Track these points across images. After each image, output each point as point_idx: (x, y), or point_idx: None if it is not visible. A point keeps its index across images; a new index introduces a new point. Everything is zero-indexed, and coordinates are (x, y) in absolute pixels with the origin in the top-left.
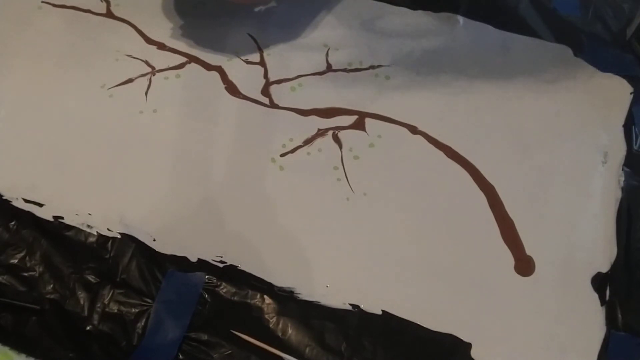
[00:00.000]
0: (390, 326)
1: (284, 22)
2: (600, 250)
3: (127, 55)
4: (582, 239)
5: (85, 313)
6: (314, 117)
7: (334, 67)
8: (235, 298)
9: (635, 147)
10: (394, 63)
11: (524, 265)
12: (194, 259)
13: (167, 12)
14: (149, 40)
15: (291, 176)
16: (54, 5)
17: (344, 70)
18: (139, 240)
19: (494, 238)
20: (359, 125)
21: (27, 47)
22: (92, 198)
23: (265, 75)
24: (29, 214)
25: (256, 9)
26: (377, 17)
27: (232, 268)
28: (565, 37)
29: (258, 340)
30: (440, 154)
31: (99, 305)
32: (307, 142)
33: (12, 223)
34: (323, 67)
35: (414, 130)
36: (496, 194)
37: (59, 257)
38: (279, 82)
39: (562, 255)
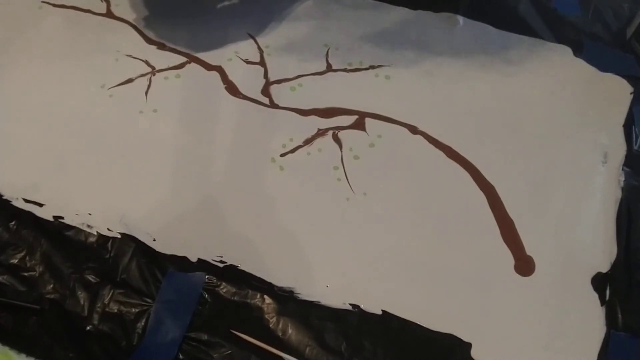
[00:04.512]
0: (390, 326)
1: (284, 22)
2: (600, 250)
3: (127, 55)
4: (582, 239)
5: (85, 313)
6: (314, 117)
7: (334, 67)
8: (235, 298)
9: (635, 147)
10: (394, 63)
11: (524, 265)
12: (194, 259)
13: (167, 12)
14: (149, 40)
15: (291, 176)
16: (54, 5)
17: (344, 70)
18: (139, 240)
19: (494, 238)
20: (359, 125)
21: (27, 47)
22: (92, 198)
23: (265, 75)
24: (29, 214)
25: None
26: (377, 17)
27: (232, 268)
28: (565, 37)
29: (258, 340)
30: (440, 154)
31: (99, 305)
32: (307, 142)
33: (12, 223)
34: (323, 67)
35: (414, 130)
36: (496, 194)
37: (59, 257)
38: (279, 82)
39: (562, 255)
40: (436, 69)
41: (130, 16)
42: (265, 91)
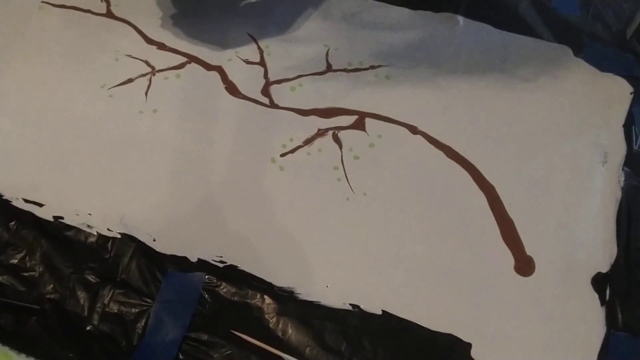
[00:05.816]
0: (390, 326)
1: (284, 22)
2: (600, 250)
3: (127, 55)
4: (582, 239)
5: (85, 313)
6: (314, 117)
7: (334, 67)
8: (235, 298)
9: (635, 147)
10: (394, 63)
11: (524, 265)
12: (194, 259)
13: (167, 12)
14: (149, 40)
15: (291, 176)
16: (54, 5)
17: (344, 70)
18: (139, 240)
19: (494, 238)
20: (359, 125)
21: (27, 47)
22: (92, 198)
23: (265, 75)
24: (29, 214)
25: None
26: (377, 17)
27: (232, 268)
28: (565, 37)
29: (258, 340)
30: (440, 154)
31: (99, 305)
32: (307, 142)
33: (12, 223)
34: (323, 67)
35: (414, 130)
36: (496, 194)
37: (59, 257)
38: (279, 82)
39: (562, 255)
40: (436, 69)
41: (130, 16)
42: (265, 91)
